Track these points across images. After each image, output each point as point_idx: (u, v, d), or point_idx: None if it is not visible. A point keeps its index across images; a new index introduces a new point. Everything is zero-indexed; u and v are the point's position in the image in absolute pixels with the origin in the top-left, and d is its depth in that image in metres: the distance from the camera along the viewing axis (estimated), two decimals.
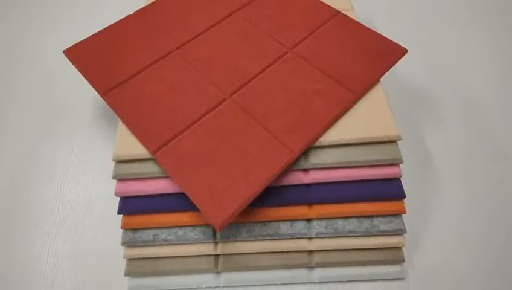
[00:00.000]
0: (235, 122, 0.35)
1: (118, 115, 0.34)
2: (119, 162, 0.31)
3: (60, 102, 0.51)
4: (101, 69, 0.36)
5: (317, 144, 0.35)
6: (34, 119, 0.49)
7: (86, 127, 0.48)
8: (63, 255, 0.38)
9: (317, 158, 0.35)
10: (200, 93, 0.35)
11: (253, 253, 0.34)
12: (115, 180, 0.39)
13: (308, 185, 0.33)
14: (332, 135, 0.35)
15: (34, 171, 0.44)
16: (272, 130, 0.35)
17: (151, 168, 0.32)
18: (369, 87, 0.35)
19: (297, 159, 0.34)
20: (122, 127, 0.33)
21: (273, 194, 0.34)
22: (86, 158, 0.45)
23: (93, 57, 0.38)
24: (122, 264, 0.37)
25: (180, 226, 0.34)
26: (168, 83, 0.37)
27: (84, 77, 0.37)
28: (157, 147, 0.34)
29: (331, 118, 0.36)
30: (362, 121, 0.33)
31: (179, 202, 0.35)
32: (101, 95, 0.35)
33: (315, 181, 0.32)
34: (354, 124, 0.32)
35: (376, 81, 0.35)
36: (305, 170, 0.36)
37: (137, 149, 0.31)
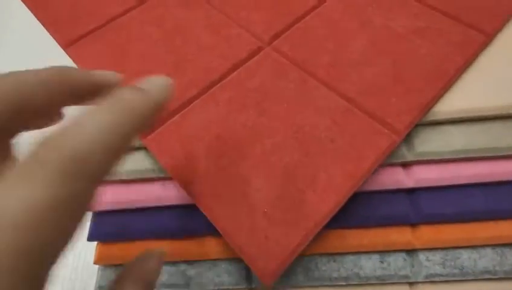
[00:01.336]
0: (279, 83, 0.20)
1: None
2: None
3: None
4: (64, 18, 0.27)
5: (428, 118, 0.20)
6: None
7: None
8: None
9: (428, 144, 0.19)
10: (218, 39, 0.24)
11: None
12: None
13: (411, 191, 0.22)
14: (456, 102, 0.20)
15: None
16: (351, 96, 0.20)
17: (139, 162, 0.18)
18: (504, 22, 0.19)
19: (396, 146, 0.19)
20: None
21: (352, 208, 0.19)
22: None
23: (55, 5, 0.27)
24: None
25: (190, 262, 0.19)
26: (168, 24, 0.22)
27: (44, 26, 0.27)
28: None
29: (450, 74, 0.20)
30: (502, 78, 0.17)
31: (186, 220, 0.20)
32: (63, 48, 0.25)
33: (423, 184, 0.21)
34: (490, 85, 0.21)
35: None
36: (406, 165, 0.20)
37: None
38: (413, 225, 0.21)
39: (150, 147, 0.19)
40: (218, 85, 0.21)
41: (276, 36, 0.24)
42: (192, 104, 0.21)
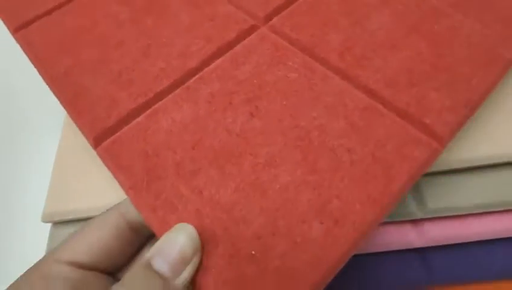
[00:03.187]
0: (278, 73, 0.15)
1: (38, 70, 0.16)
2: None
3: None
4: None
5: (442, 166, 0.15)
6: None
7: None
8: None
9: (441, 198, 0.15)
10: (201, 17, 0.19)
11: None
12: None
13: (421, 253, 0.17)
14: (481, 147, 0.15)
15: None
16: (374, 88, 0.15)
17: None
18: None
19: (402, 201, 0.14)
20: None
21: (351, 273, 0.14)
22: None
23: None
24: None
25: None
26: (140, 1, 0.20)
27: None
28: (100, 134, 0.15)
29: (505, 59, 0.15)
30: None
31: None
32: (11, 32, 0.21)
33: (436, 243, 0.16)
34: None
35: None
36: (416, 221, 0.15)
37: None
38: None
39: (103, 159, 0.15)
40: (198, 76, 0.16)
41: (275, 12, 0.18)
42: (162, 101, 0.16)
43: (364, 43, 0.16)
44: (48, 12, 0.21)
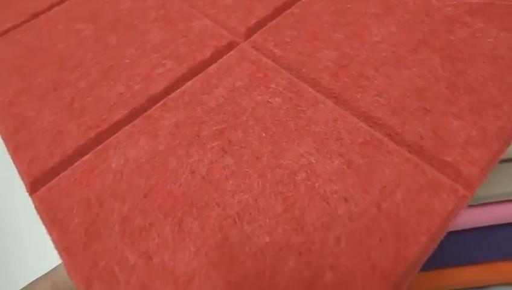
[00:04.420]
0: (258, 98, 0.12)
1: None
2: None
3: None
4: None
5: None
6: None
7: None
8: None
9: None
10: (173, 34, 0.17)
11: None
12: None
13: None
14: None
15: None
16: (377, 116, 0.12)
17: None
18: None
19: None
20: None
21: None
22: None
23: None
24: None
25: None
26: (107, 17, 0.18)
27: None
28: (38, 178, 0.12)
29: None
30: None
31: None
32: None
33: None
34: None
35: None
36: None
37: None
38: None
39: (37, 209, 0.12)
40: (161, 102, 0.13)
41: (258, 26, 0.16)
42: (115, 135, 0.13)
43: (364, 59, 0.13)
44: (3, 33, 0.18)
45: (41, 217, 0.11)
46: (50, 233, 0.11)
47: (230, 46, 0.15)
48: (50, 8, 0.19)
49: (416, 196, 0.10)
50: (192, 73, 0.14)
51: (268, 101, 0.13)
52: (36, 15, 0.19)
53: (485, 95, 0.12)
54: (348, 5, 0.16)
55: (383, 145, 0.11)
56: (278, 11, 0.16)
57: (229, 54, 0.15)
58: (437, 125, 0.11)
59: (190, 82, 0.14)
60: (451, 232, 0.15)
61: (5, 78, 0.16)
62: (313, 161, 0.11)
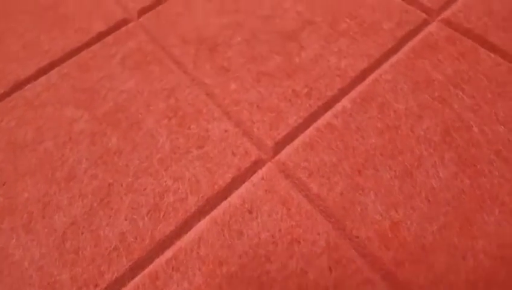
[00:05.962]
0: None
1: None
2: None
3: None
4: None
5: None
6: None
7: None
8: None
9: None
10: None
11: None
12: None
13: None
14: None
15: None
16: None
17: None
18: None
19: None
20: None
21: None
22: None
23: None
24: None
25: None
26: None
27: None
28: None
29: None
30: None
31: None
32: None
33: None
34: None
35: None
36: None
37: None
38: None
39: None
40: (171, 254, 0.11)
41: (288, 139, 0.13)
42: None
43: None
44: None
45: None
46: None
47: (256, 164, 0.12)
48: (36, 76, 0.16)
49: None
50: (209, 206, 0.12)
51: None
52: (19, 85, 0.15)
53: None
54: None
55: None
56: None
57: (251, 179, 0.12)
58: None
59: (203, 224, 0.11)
60: None
61: None
62: None
